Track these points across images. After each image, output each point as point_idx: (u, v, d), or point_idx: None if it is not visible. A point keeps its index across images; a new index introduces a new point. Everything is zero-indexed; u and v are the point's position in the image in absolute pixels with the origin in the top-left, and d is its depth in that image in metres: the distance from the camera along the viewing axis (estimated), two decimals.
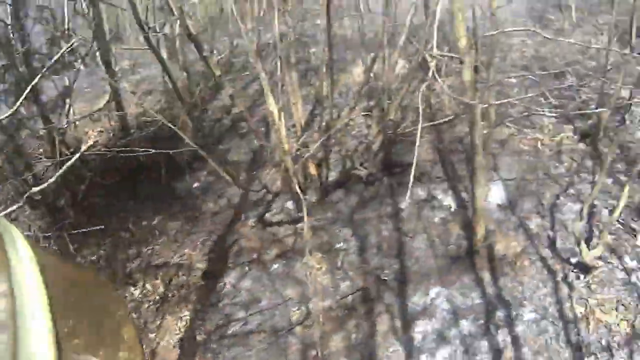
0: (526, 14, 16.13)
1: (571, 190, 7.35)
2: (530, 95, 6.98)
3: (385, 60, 5.88)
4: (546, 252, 6.56)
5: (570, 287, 6.17)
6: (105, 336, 0.86)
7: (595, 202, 6.87)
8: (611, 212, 6.34)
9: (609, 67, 6.92)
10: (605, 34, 11.88)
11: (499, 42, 8.66)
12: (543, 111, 7.34)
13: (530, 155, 8.00)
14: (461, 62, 4.40)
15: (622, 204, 6.02)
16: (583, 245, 5.98)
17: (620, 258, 6.78)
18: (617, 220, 6.62)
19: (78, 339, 0.77)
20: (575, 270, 6.23)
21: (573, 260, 6.27)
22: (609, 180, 7.88)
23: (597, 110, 6.82)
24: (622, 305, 6.14)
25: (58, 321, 0.72)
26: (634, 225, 7.41)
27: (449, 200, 6.48)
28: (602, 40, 10.61)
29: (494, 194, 7.08)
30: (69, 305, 0.80)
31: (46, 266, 0.77)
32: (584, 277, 6.14)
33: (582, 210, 6.11)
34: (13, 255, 0.74)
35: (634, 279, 6.61)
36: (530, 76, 8.13)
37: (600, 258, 6.24)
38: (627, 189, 5.86)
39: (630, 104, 7.63)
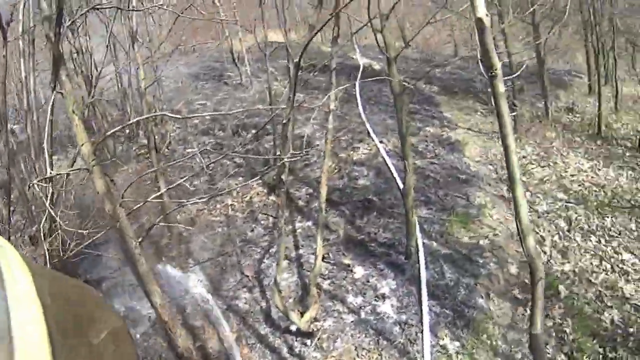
0: (205, 73, 17.84)
1: (274, 249, 7.81)
2: (207, 164, 7.25)
3: None
4: (264, 330, 6.65)
5: (301, 357, 6.35)
6: (103, 353, 0.88)
7: (301, 252, 7.36)
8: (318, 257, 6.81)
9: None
10: (280, 79, 14.03)
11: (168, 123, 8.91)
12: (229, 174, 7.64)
13: (223, 225, 8.24)
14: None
15: (319, 252, 6.59)
16: (292, 314, 6.25)
17: (342, 301, 7.41)
18: (328, 263, 7.12)
19: (75, 357, 0.79)
20: (298, 339, 6.44)
21: (293, 328, 6.48)
22: (309, 223, 8.61)
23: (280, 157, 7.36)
24: (363, 348, 6.57)
25: (54, 338, 0.73)
26: (346, 260, 8.29)
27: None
28: (280, 85, 12.73)
29: (192, 283, 7.02)
30: (66, 322, 0.82)
31: (42, 283, 0.79)
32: (311, 342, 6.36)
33: (275, 276, 6.48)
34: (7, 272, 0.76)
35: (363, 315, 7.22)
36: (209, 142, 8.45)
37: (315, 319, 6.58)
38: (320, 234, 6.49)
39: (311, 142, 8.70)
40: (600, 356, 6.43)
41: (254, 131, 12.99)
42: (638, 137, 13.09)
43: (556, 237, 8.50)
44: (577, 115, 14.79)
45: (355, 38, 11.90)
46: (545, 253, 8.12)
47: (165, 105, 14.49)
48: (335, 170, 11.14)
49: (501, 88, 3.97)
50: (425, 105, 15.44)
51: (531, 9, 11.53)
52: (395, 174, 10.03)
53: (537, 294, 4.16)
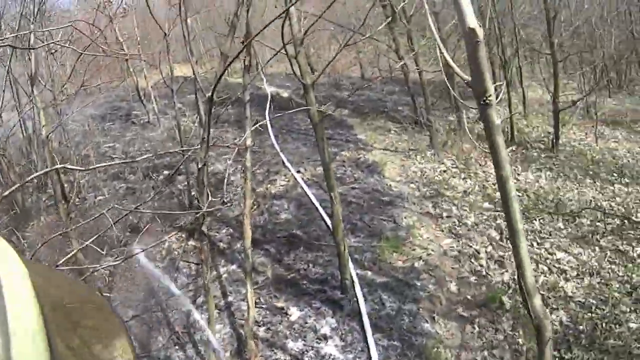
0: (112, 113, 16.79)
1: (200, 298, 7.26)
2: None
3: None
4: None
5: None
6: (101, 355, 0.82)
7: (230, 299, 6.86)
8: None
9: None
10: (188, 115, 13.41)
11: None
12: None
13: (144, 277, 7.68)
14: None
15: (251, 301, 6.12)
16: None
17: (283, 348, 6.85)
18: (260, 308, 6.66)
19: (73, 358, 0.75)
20: None
21: None
22: (233, 266, 8.05)
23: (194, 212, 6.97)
24: None
25: (52, 339, 0.69)
26: (279, 303, 7.75)
27: None
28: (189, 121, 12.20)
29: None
30: (64, 322, 0.79)
31: (40, 282, 0.76)
32: None
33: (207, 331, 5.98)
34: (4, 270, 0.73)
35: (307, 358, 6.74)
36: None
37: None
38: (249, 281, 6.03)
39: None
40: (557, 359, 6.30)
41: (166, 172, 12.43)
42: (550, 138, 13.55)
43: (490, 248, 8.42)
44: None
45: (261, 66, 11.74)
46: (482, 266, 8.00)
47: (73, 149, 13.76)
48: (255, 207, 10.70)
49: (496, 119, 3.42)
50: (339, 129, 15.37)
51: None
52: (317, 204, 9.74)
53: (546, 356, 3.74)
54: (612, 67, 19.38)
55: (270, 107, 8.95)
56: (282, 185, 11.45)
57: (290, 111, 7.34)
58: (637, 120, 17.52)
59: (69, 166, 6.74)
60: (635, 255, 8.29)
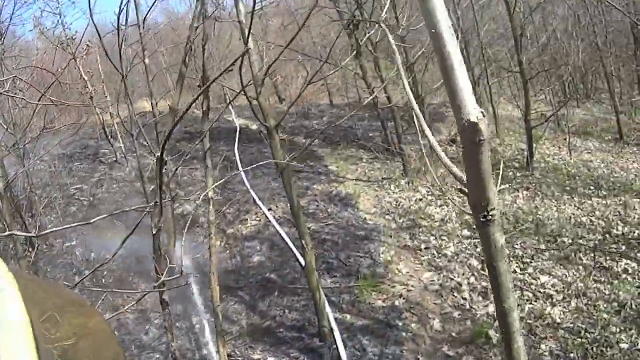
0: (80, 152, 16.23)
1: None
2: None
3: None
4: None
5: None
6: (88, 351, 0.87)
7: (204, 352, 6.50)
8: None
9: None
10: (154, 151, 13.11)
11: None
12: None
13: (114, 330, 7.32)
14: None
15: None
16: None
17: None
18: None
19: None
20: None
21: None
22: (207, 316, 7.63)
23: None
24: None
25: (42, 356, 0.73)
26: (255, 355, 7.28)
27: None
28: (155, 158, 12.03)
29: None
30: (55, 338, 0.81)
31: (31, 296, 0.80)
32: None
33: None
34: None
35: None
36: None
37: None
38: (220, 340, 5.66)
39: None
40: None
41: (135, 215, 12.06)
42: (524, 155, 13.43)
43: (472, 279, 8.10)
44: (461, 145, 14.95)
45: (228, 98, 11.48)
46: (465, 299, 7.66)
47: (40, 190, 13.28)
48: (226, 250, 10.30)
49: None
50: (309, 161, 15.06)
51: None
52: (291, 244, 9.35)
53: None
54: (579, 79, 19.56)
55: (237, 141, 8.58)
56: (253, 225, 11.07)
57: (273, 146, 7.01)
58: (606, 129, 17.61)
59: (18, 232, 6.33)
60: (619, 270, 8.07)
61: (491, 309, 7.34)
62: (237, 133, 8.75)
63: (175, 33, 20.55)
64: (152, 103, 8.57)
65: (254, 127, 19.30)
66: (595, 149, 15.26)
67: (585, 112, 20.00)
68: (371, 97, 11.49)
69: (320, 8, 13.29)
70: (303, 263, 6.95)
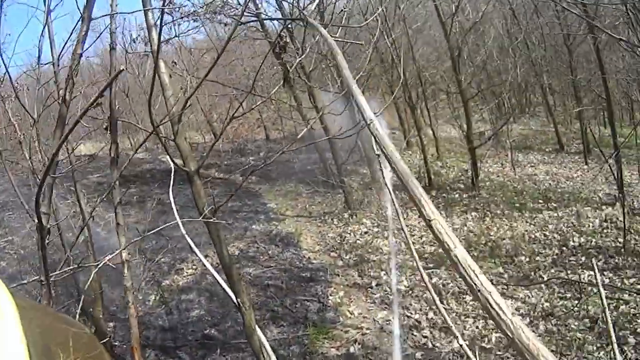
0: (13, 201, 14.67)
1: None
2: None
3: None
4: None
5: None
6: None
7: None
8: None
9: None
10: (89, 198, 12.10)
11: None
12: None
13: None
14: None
15: None
16: None
17: None
18: None
19: None
20: None
21: None
22: None
23: None
24: None
25: None
26: None
27: None
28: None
29: None
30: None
31: (27, 317, 0.79)
32: None
33: None
34: None
35: None
36: None
37: None
38: None
39: None
40: None
41: (68, 268, 10.97)
42: (468, 176, 13.04)
43: (431, 314, 7.41)
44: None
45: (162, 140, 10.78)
46: (426, 337, 6.93)
47: None
48: (161, 305, 9.29)
49: None
50: (247, 200, 14.28)
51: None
52: (232, 295, 8.42)
53: None
54: (515, 95, 19.72)
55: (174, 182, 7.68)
56: (190, 275, 10.08)
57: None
58: (546, 141, 17.66)
59: None
60: (584, 283, 7.58)
61: (455, 344, 6.65)
62: (173, 173, 7.93)
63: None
64: (67, 148, 7.58)
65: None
66: (538, 162, 15.11)
67: (522, 127, 20.09)
68: (306, 129, 10.87)
69: (249, 38, 12.74)
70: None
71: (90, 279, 5.30)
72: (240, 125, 22.60)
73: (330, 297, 8.12)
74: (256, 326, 5.68)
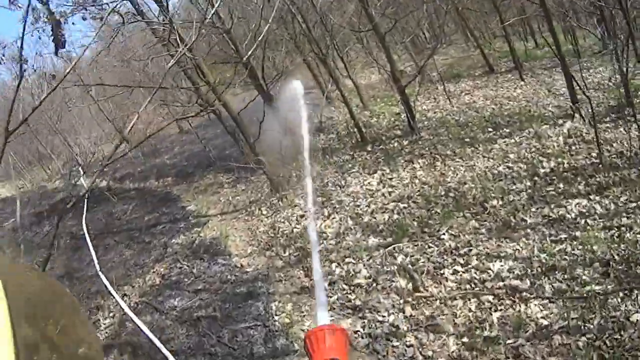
0: None
1: None
2: None
3: None
4: None
5: None
6: (66, 354, 0.73)
7: None
8: None
9: None
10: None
11: None
12: None
13: None
14: None
15: None
16: None
17: None
18: None
19: (37, 355, 0.66)
20: None
21: None
22: None
23: None
24: None
25: (17, 335, 0.64)
26: None
27: None
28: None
29: None
30: (30, 318, 0.71)
31: (6, 276, 0.71)
32: None
33: None
34: None
35: None
36: None
37: None
38: None
39: None
40: None
41: None
42: (402, 120, 11.30)
43: (408, 309, 5.48)
44: (332, 133, 12.83)
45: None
46: (410, 346, 4.99)
47: None
48: None
49: None
50: (163, 208, 12.14)
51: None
52: (160, 345, 6.27)
53: None
54: (431, 27, 18.58)
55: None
56: (109, 327, 7.75)
57: None
58: (473, 66, 16.31)
59: None
60: (575, 216, 5.97)
61: (453, 347, 4.80)
62: (87, 197, 6.44)
63: None
64: None
65: (103, 183, 16.57)
66: (471, 88, 13.58)
67: (444, 57, 18.63)
68: (202, 110, 8.87)
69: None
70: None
71: None
72: (149, 124, 20.53)
73: (277, 317, 6.04)
74: None
